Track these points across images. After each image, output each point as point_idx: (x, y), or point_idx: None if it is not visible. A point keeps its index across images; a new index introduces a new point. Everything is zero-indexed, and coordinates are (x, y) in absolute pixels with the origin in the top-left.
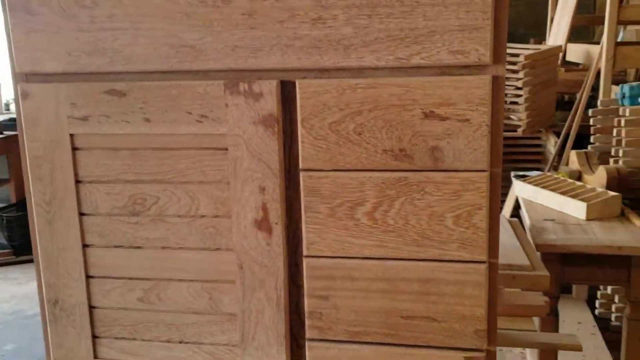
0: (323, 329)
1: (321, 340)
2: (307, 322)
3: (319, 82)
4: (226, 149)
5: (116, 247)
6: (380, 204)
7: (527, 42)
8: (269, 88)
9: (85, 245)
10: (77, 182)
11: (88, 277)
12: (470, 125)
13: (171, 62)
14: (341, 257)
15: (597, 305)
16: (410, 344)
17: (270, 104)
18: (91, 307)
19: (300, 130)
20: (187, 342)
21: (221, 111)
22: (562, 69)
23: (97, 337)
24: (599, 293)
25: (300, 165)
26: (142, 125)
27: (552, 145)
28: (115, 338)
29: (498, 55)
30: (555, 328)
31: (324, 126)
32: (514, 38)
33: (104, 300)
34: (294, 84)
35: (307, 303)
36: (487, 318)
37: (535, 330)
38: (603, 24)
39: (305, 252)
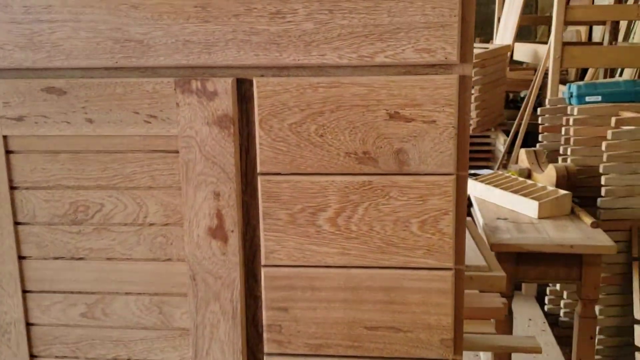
0: (282, 343)
1: (280, 354)
2: (265, 335)
3: (278, 81)
4: (177, 152)
5: (56, 258)
6: (343, 209)
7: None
8: (224, 86)
9: (21, 257)
10: (12, 188)
11: (25, 291)
12: (437, 127)
13: (116, 57)
14: (302, 266)
15: (546, 301)
16: (375, 355)
17: (226, 103)
18: (28, 325)
19: (258, 132)
20: None
21: (172, 111)
22: (507, 68)
23: (35, 356)
24: (547, 289)
25: (258, 169)
26: (85, 126)
27: (501, 143)
28: (56, 357)
29: (465, 53)
30: (509, 327)
31: (284, 127)
32: None
33: (42, 316)
34: (251, 82)
35: (266, 315)
36: (453, 326)
37: (494, 332)
38: (547, 24)
39: (263, 262)
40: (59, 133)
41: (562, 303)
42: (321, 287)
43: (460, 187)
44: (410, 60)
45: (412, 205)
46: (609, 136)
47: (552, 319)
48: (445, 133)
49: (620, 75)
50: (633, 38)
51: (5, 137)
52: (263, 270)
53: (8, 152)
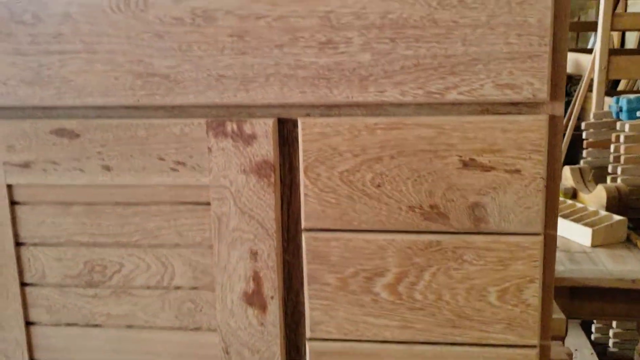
0: None
1: None
2: None
3: (328, 121)
4: (209, 204)
5: (69, 325)
6: (405, 274)
7: None
8: (264, 128)
9: (29, 323)
10: (18, 244)
11: None
12: (522, 178)
13: (138, 94)
14: (355, 341)
15: (593, 329)
16: None
17: (266, 148)
18: None
19: (302, 181)
20: None
21: (203, 157)
22: None
23: None
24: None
25: (303, 224)
26: (101, 175)
27: None
28: None
29: (556, 90)
30: None
31: (334, 176)
32: None
33: None
34: (294, 122)
35: None
36: None
37: None
38: (590, 30)
39: (308, 334)
40: (71, 182)
41: (610, 332)
42: None
43: (549, 250)
44: (489, 97)
45: (490, 271)
46: None
47: (599, 348)
48: (532, 185)
49: None
50: None
51: (9, 186)
52: (308, 345)
53: (13, 203)
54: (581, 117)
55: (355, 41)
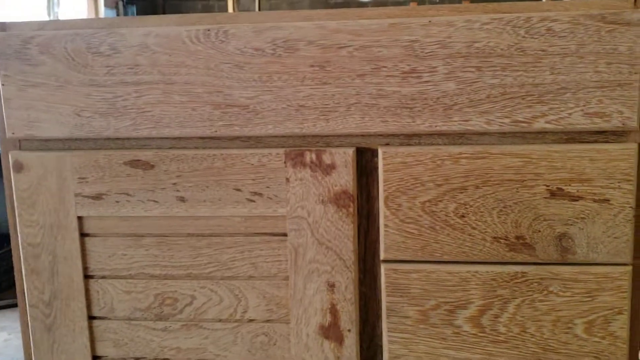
0: None
1: None
2: None
3: (409, 151)
4: (285, 235)
5: (138, 359)
6: (489, 306)
7: None
8: (344, 158)
9: (96, 357)
10: (87, 277)
11: None
12: (611, 207)
13: (215, 125)
14: None
15: None
16: None
17: (345, 178)
18: None
19: (382, 211)
20: None
21: (280, 187)
22: None
23: None
24: None
25: (382, 256)
26: (175, 206)
27: None
28: None
29: None
30: None
31: (415, 206)
32: None
33: None
34: (373, 152)
35: None
36: None
37: None
38: None
39: None
40: (144, 214)
41: None
42: None
43: (638, 280)
44: (578, 126)
45: (577, 303)
46: None
47: None
48: (622, 215)
49: None
50: None
51: (80, 218)
52: None
53: (83, 235)
54: None
55: (440, 70)
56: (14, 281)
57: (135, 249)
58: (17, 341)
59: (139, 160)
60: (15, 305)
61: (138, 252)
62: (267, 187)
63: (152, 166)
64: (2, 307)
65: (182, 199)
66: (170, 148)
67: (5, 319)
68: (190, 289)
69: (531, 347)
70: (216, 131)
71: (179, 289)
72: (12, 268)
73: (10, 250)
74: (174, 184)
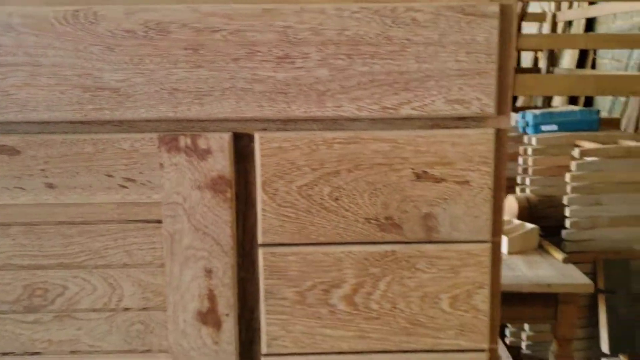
0: None
1: None
2: None
3: (286, 136)
4: (160, 222)
5: (4, 354)
6: (362, 285)
7: None
8: (220, 143)
9: None
10: None
11: None
12: (471, 188)
13: (85, 109)
14: (312, 354)
15: (507, 334)
16: None
17: (221, 163)
18: None
19: (260, 196)
20: None
21: (154, 173)
22: None
23: None
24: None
25: (260, 240)
26: (44, 193)
27: None
28: None
29: (502, 105)
30: None
31: (292, 190)
32: None
33: None
34: (251, 137)
35: None
36: None
37: None
38: None
39: (264, 350)
40: (10, 201)
41: (523, 335)
42: None
43: (496, 256)
44: (440, 112)
45: (442, 279)
46: (573, 168)
47: (514, 351)
48: (481, 195)
49: (549, 102)
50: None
51: None
52: None
53: None
54: None
55: (312, 56)
56: None
57: (1, 239)
58: None
59: (4, 145)
60: None
61: (5, 242)
62: (140, 173)
63: (18, 152)
64: None
65: (51, 186)
66: (38, 133)
67: None
68: (61, 279)
69: (401, 322)
70: (86, 115)
71: (49, 279)
72: None
73: None
74: (42, 170)
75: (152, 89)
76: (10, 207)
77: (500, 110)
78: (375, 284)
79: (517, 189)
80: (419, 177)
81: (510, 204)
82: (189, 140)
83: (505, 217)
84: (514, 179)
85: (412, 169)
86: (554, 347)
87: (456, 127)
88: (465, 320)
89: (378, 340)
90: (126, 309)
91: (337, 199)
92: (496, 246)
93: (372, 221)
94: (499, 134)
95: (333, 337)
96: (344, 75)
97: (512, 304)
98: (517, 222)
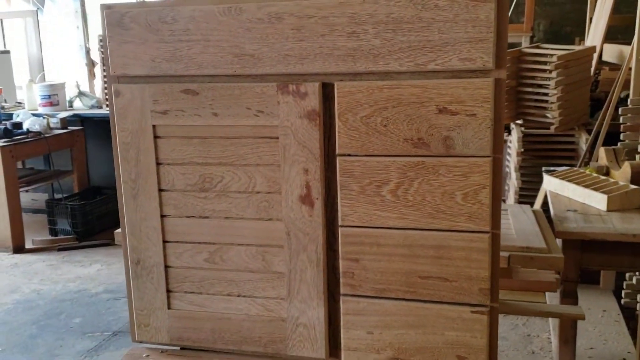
0: (354, 286)
1: (353, 295)
2: (341, 280)
3: (353, 84)
4: (277, 138)
5: (188, 217)
6: (402, 183)
7: (573, 41)
8: (313, 89)
9: (163, 216)
10: (158, 164)
11: (164, 241)
12: (476, 119)
13: (235, 67)
14: (369, 227)
15: (623, 295)
16: (427, 299)
17: (314, 101)
18: (166, 267)
19: (337, 123)
20: (244, 296)
21: (274, 107)
22: (607, 68)
23: (170, 291)
24: (624, 283)
25: (337, 151)
26: (211, 119)
27: (584, 142)
28: (185, 292)
29: (500, 61)
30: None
31: (357, 120)
32: (558, 37)
33: (177, 261)
34: (332, 85)
35: (342, 264)
36: (490, 279)
37: (544, 302)
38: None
39: (340, 223)
40: (192, 123)
41: (638, 297)
42: (384, 244)
43: (496, 167)
44: (455, 67)
45: (456, 181)
46: None
47: (629, 312)
48: (484, 124)
49: None
50: None
51: (154, 126)
52: (340, 230)
53: (156, 137)
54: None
55: (370, 32)
56: (105, 226)
57: (187, 146)
58: (107, 271)
59: (189, 89)
60: (106, 245)
61: (189, 148)
62: (266, 107)
63: (197, 93)
64: (97, 245)
65: (215, 114)
66: (208, 82)
67: (99, 255)
68: (220, 172)
69: (428, 210)
70: (235, 71)
71: (214, 172)
72: (103, 214)
73: (102, 199)
74: (210, 104)
75: (273, 54)
76: (192, 127)
77: (498, 65)
78: (410, 183)
79: (637, 157)
80: (441, 111)
81: (625, 169)
82: (294, 87)
83: (612, 180)
84: (637, 149)
85: (436, 105)
86: None
87: (467, 77)
88: (473, 210)
89: (412, 221)
90: (258, 192)
91: (385, 126)
92: (496, 160)
93: (409, 141)
94: (498, 82)
95: (383, 217)
96: (390, 43)
97: (602, 252)
98: (622, 183)
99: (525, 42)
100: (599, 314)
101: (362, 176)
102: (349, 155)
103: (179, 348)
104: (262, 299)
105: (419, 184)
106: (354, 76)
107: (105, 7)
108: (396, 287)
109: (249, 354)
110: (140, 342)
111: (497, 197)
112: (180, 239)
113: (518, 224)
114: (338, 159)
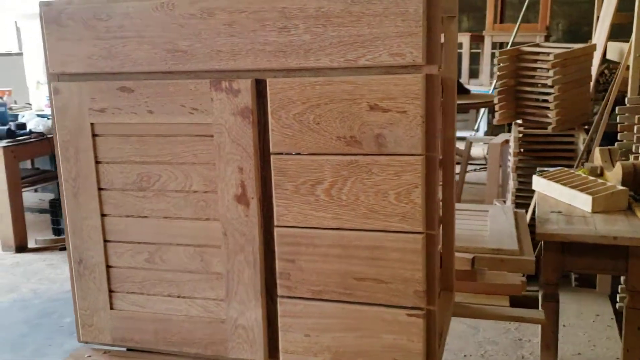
0: (291, 288)
1: (289, 297)
2: (278, 281)
3: (285, 80)
4: (212, 136)
5: (127, 216)
6: (335, 182)
7: (590, 39)
8: (246, 85)
9: (103, 215)
10: (97, 162)
11: (105, 241)
12: (407, 117)
13: (169, 64)
14: (304, 227)
15: (617, 299)
16: (363, 301)
17: (247, 98)
18: (108, 266)
19: (270, 121)
20: (184, 297)
21: (208, 104)
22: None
23: (112, 291)
24: (619, 287)
25: (271, 150)
26: (147, 116)
27: (583, 142)
28: (127, 292)
29: (431, 57)
30: (555, 314)
31: (289, 117)
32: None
33: (118, 260)
34: (265, 82)
35: (278, 265)
36: (425, 281)
37: (507, 306)
38: None
39: (276, 223)
40: (129, 121)
41: (618, 297)
42: (320, 244)
43: (430, 165)
44: (386, 62)
45: (389, 180)
46: None
47: (622, 316)
48: (415, 121)
49: None
50: None
51: (92, 124)
52: (276, 230)
53: (94, 135)
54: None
55: (300, 27)
56: None
57: (125, 144)
58: None
59: (125, 87)
60: None
61: (127, 147)
62: (200, 104)
63: (133, 90)
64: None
65: (151, 112)
66: (144, 79)
67: None
68: (158, 171)
69: (362, 209)
70: (169, 67)
71: (151, 170)
72: None
73: None
74: (146, 101)
75: (206, 50)
76: (129, 125)
77: (429, 61)
78: (344, 182)
79: (631, 158)
80: (372, 108)
81: (617, 170)
82: (227, 84)
83: (609, 183)
84: (631, 150)
85: (368, 102)
86: (626, 299)
87: (398, 73)
88: (406, 210)
89: (347, 220)
90: (195, 192)
91: (318, 123)
92: (430, 158)
93: (341, 139)
94: (429, 78)
95: (317, 217)
96: (320, 38)
97: (584, 255)
98: (609, 184)
99: (539, 42)
100: (591, 318)
101: (296, 175)
102: (283, 153)
103: (125, 349)
104: (201, 300)
105: (352, 183)
106: (287, 72)
107: (44, 4)
108: (332, 288)
109: (191, 355)
110: (86, 342)
111: (432, 196)
112: (120, 239)
113: (494, 225)
114: (272, 158)
